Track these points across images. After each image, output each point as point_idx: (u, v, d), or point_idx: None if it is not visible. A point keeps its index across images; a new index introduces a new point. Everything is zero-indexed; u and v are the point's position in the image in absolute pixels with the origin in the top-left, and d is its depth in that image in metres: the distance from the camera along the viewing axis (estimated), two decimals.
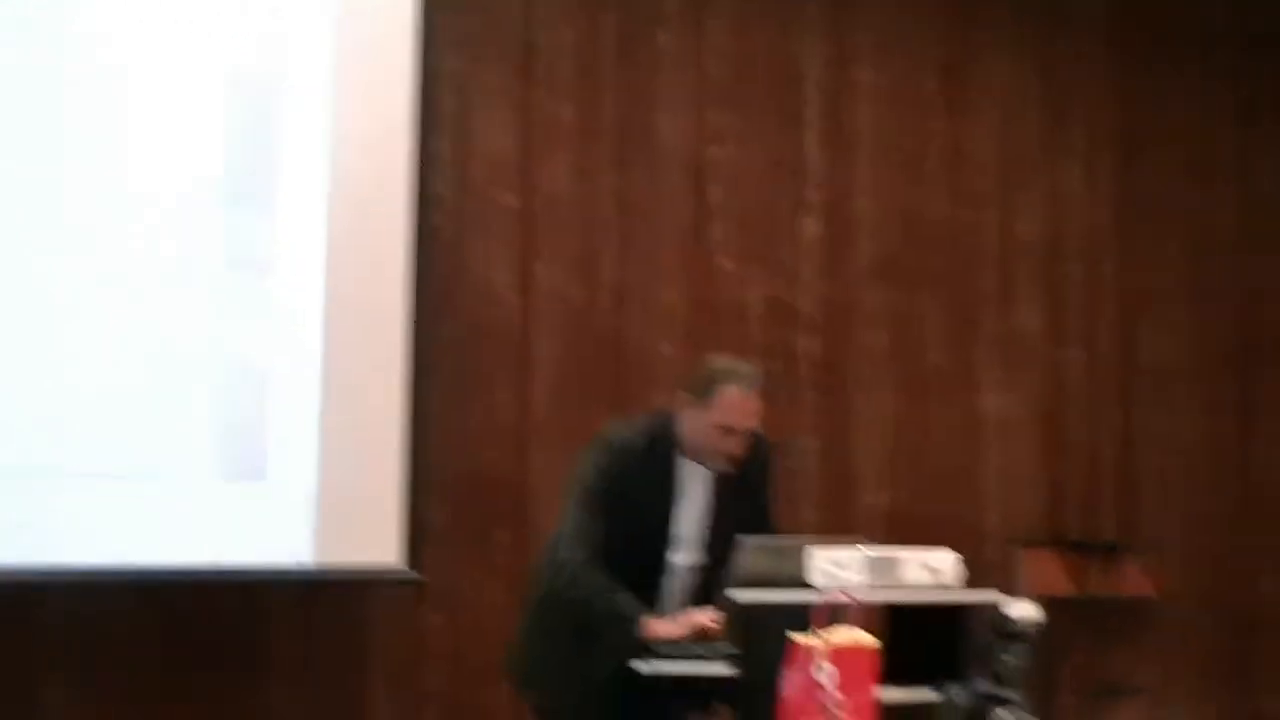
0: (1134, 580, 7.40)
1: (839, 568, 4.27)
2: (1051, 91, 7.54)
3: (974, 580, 5.18)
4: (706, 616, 4.58)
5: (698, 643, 4.53)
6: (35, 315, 5.47)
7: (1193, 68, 7.81)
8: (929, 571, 4.30)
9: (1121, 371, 7.62)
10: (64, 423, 5.46)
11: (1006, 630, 3.30)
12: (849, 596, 3.23)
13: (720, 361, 4.90)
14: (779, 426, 6.75)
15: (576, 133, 6.64)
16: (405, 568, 5.95)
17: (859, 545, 4.43)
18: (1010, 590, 3.30)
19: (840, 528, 6.79)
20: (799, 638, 3.07)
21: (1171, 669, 7.60)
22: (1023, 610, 3.28)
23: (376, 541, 5.90)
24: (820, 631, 3.05)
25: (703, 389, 4.76)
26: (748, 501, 4.89)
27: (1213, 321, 7.81)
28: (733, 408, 4.74)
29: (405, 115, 6.12)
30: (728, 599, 4.46)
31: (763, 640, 4.13)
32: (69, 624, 5.68)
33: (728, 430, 4.75)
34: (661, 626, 4.60)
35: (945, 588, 4.33)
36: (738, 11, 6.93)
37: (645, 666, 4.53)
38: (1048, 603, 6.95)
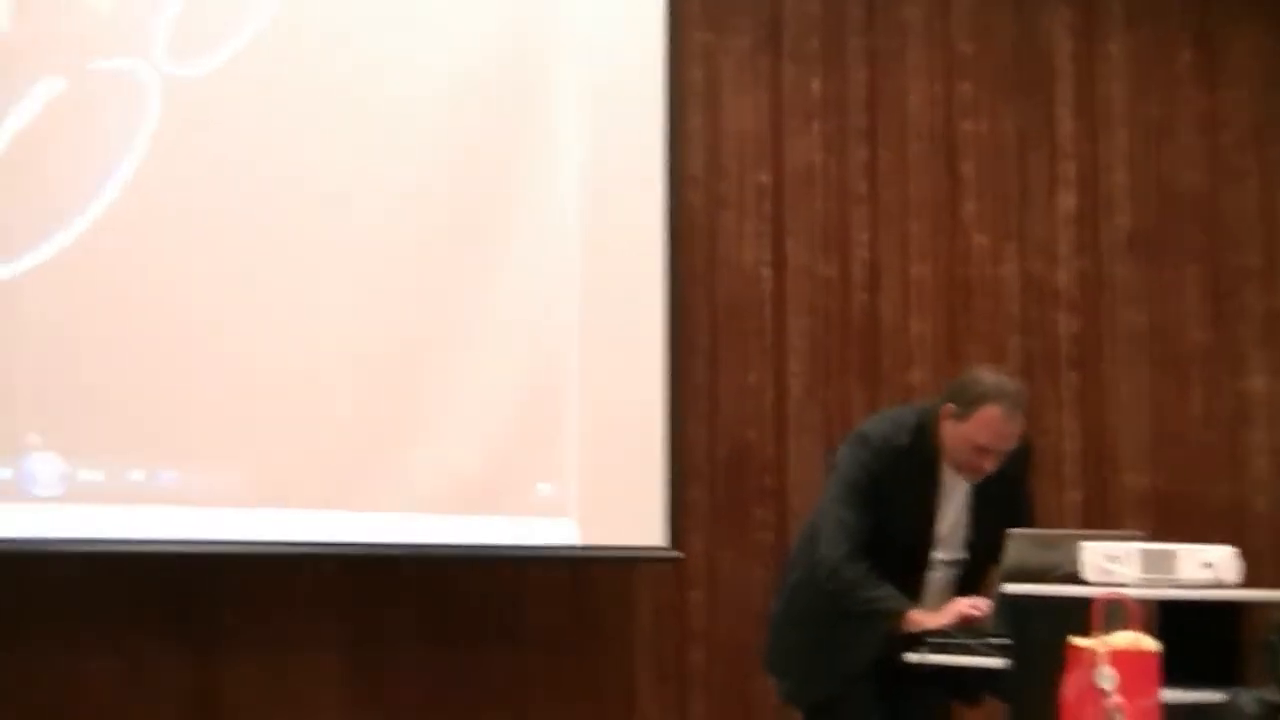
0: None
1: (1112, 562, 4.19)
2: None
3: (1250, 572, 5.04)
4: (970, 605, 4.55)
5: (963, 632, 4.51)
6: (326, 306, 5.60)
7: None
8: (1206, 567, 4.20)
9: None
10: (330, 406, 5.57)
11: None
12: (1127, 598, 3.16)
13: (988, 378, 4.77)
14: (1038, 406, 6.69)
15: (825, 106, 6.59)
16: (668, 546, 5.96)
17: (1130, 538, 4.35)
18: None
19: (1101, 510, 6.69)
20: (1077, 640, 3.01)
21: None
22: None
23: (641, 520, 5.93)
24: (1098, 633, 2.99)
25: (966, 403, 4.67)
26: (1007, 497, 4.82)
27: None
28: (991, 428, 4.65)
29: (658, 93, 6.13)
30: (998, 591, 4.42)
31: (1034, 634, 4.09)
32: (338, 596, 5.77)
33: (982, 450, 4.67)
34: (925, 617, 4.58)
35: (1223, 585, 4.23)
36: None
37: (913, 656, 4.52)
38: None
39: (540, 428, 5.84)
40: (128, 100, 5.40)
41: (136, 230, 5.39)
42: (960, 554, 4.82)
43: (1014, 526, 4.55)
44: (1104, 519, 6.60)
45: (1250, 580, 4.33)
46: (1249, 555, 6.76)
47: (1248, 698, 3.17)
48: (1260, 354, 7.14)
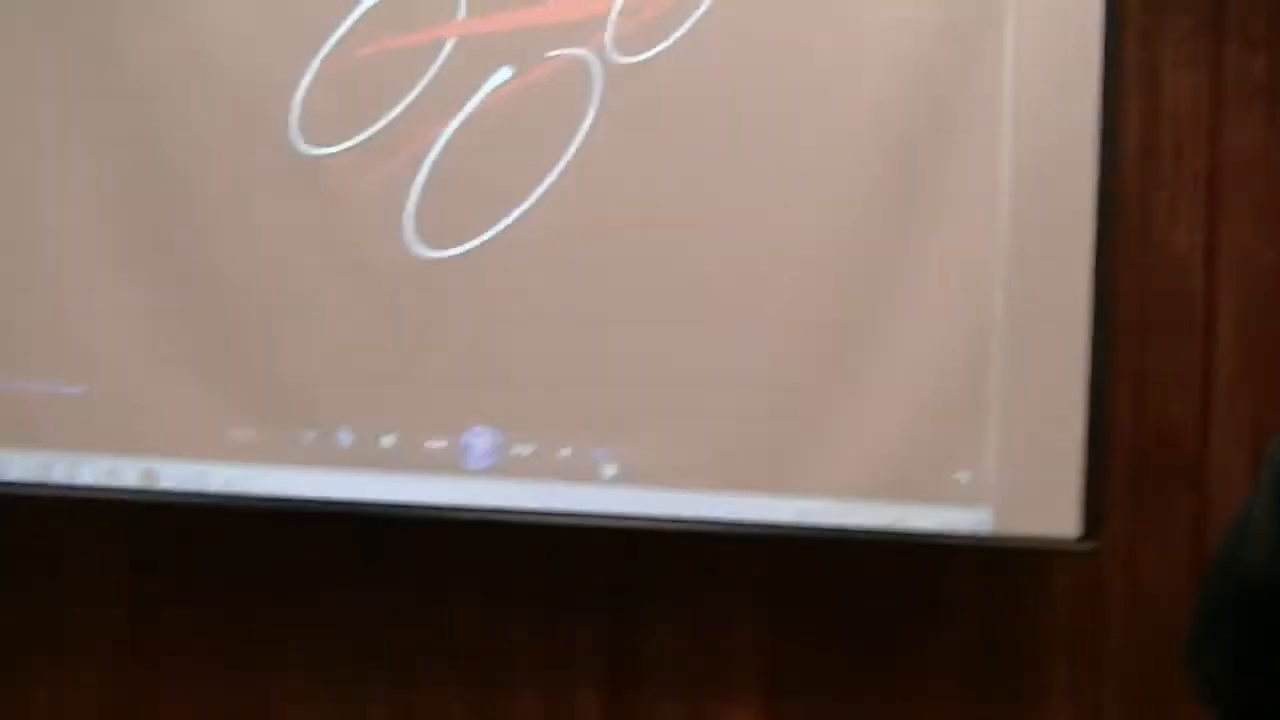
0: None
1: None
2: None
3: None
4: None
5: None
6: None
7: None
8: None
9: None
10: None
11: None
12: None
13: None
14: None
15: (1268, 88, 6.37)
16: (1083, 535, 5.86)
17: None
18: None
19: None
20: None
21: None
22: None
23: (1056, 508, 5.83)
24: None
25: None
26: None
27: None
28: None
29: (1093, 73, 5.99)
30: None
31: None
32: (753, 575, 5.87)
33: None
34: None
35: None
36: None
37: None
38: None
39: (960, 412, 5.80)
40: (574, 88, 5.55)
41: (578, 212, 5.55)
42: None
43: None
44: None
45: None
46: None
47: None
48: None
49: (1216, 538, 5.04)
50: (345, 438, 5.55)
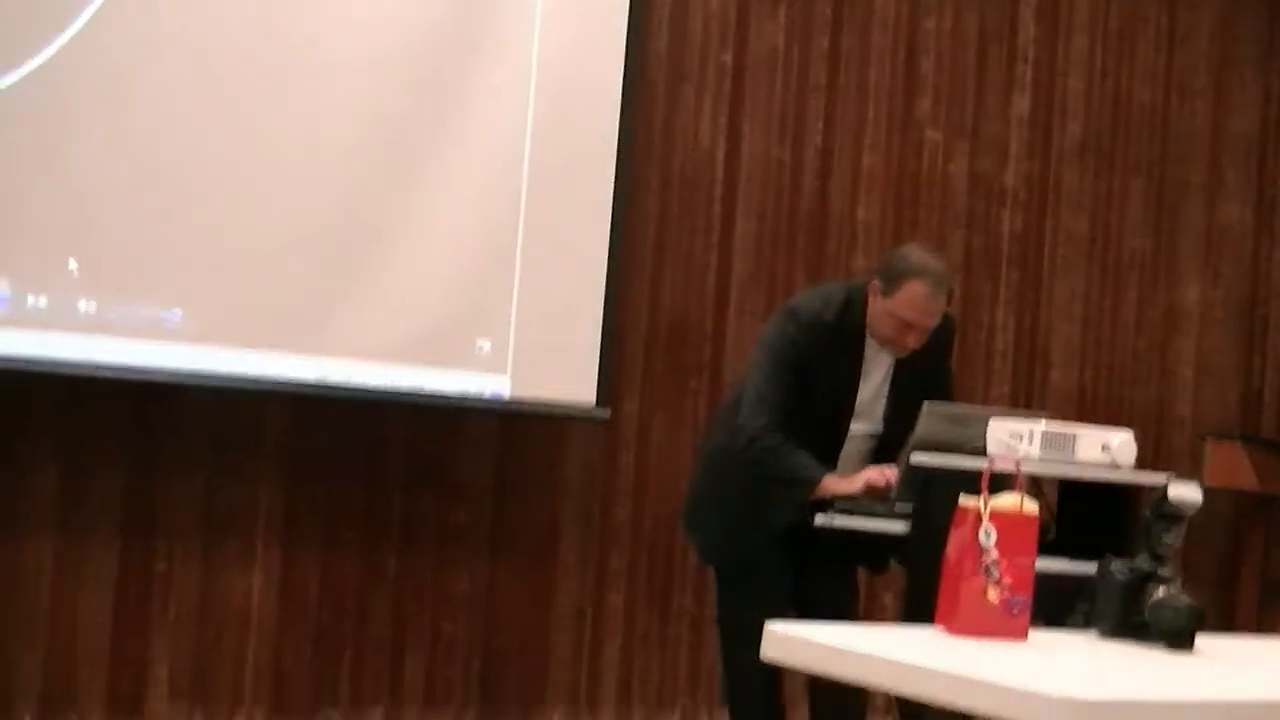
0: None
1: (1016, 439, 4.35)
2: None
3: (1161, 468, 5.21)
4: (879, 473, 4.69)
5: (873, 500, 4.66)
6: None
7: None
8: (1104, 450, 4.36)
9: None
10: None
11: (1166, 511, 3.34)
12: (1018, 469, 3.30)
13: (915, 254, 4.90)
14: (975, 300, 6.85)
15: None
16: (597, 406, 6.10)
17: (1038, 418, 4.50)
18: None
19: (1029, 405, 6.85)
20: (965, 500, 3.15)
21: None
22: (1182, 492, 3.31)
23: (574, 381, 6.07)
24: (986, 495, 3.13)
25: (891, 279, 4.79)
26: (928, 376, 4.96)
27: None
28: (914, 304, 4.77)
29: None
30: (906, 460, 4.57)
31: (935, 502, 4.24)
32: (279, 433, 5.90)
33: (906, 324, 4.79)
34: (838, 484, 4.73)
35: (1116, 467, 4.39)
36: None
37: (821, 518, 4.67)
38: (1232, 497, 7.05)
39: (484, 287, 5.96)
40: None
41: (109, 54, 5.48)
42: (877, 427, 4.96)
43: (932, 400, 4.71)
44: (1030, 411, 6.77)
45: None
46: (1169, 457, 7.02)
47: (1119, 565, 3.32)
48: (1195, 266, 7.31)
49: None
50: None
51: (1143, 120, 7.22)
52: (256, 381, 5.68)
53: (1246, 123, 7.40)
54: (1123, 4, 7.17)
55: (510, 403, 6.00)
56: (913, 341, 4.82)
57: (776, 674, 4.85)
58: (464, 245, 5.95)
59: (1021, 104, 7.01)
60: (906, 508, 4.52)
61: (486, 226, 5.99)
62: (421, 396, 5.87)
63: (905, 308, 4.77)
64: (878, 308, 4.82)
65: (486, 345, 5.94)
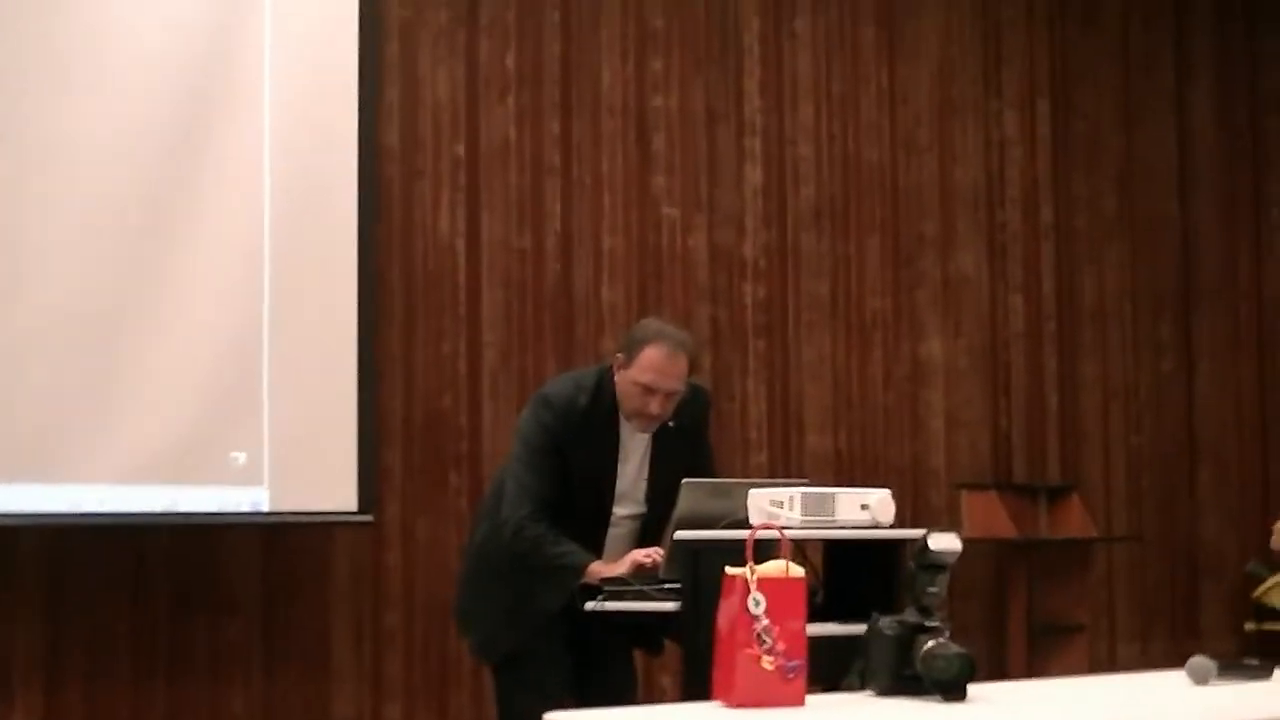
0: (1077, 522, 7.53)
1: (777, 505, 4.38)
2: (988, 38, 7.66)
3: (921, 522, 5.29)
4: (645, 554, 4.68)
5: (640, 580, 4.64)
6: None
7: (1127, 13, 7.97)
8: (864, 509, 4.41)
9: (1061, 315, 7.76)
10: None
11: (928, 561, 3.38)
12: (782, 535, 3.32)
13: (652, 324, 4.97)
14: (725, 372, 6.91)
15: (520, 80, 6.70)
16: (360, 511, 6.03)
17: (796, 485, 4.53)
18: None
19: (785, 471, 6.91)
20: (731, 569, 3.16)
21: (1115, 609, 7.77)
22: (942, 542, 3.36)
23: (334, 487, 6.00)
24: (751, 564, 3.14)
25: (630, 348, 4.82)
26: (687, 451, 4.96)
27: (1150, 263, 7.97)
28: (653, 366, 4.77)
29: (351, 66, 6.19)
30: (670, 537, 4.57)
31: (702, 576, 4.25)
32: (37, 566, 5.74)
33: (648, 389, 4.78)
34: (605, 568, 4.71)
35: (877, 525, 4.44)
36: None
37: (590, 604, 4.64)
38: (992, 545, 7.19)
39: (233, 398, 5.87)
40: None
41: None
42: (641, 508, 4.95)
43: (693, 476, 4.70)
44: (789, 478, 6.82)
45: None
46: (928, 512, 7.13)
47: (887, 621, 3.35)
48: (936, 319, 7.47)
49: None
50: None
51: (873, 179, 7.37)
52: (6, 516, 5.53)
53: (972, 172, 7.60)
54: (843, 66, 7.32)
55: (271, 514, 5.90)
56: (656, 408, 4.81)
57: None
58: (208, 355, 5.85)
59: (754, 175, 7.11)
60: (675, 585, 4.52)
61: (230, 334, 5.90)
62: (179, 516, 5.76)
63: (645, 372, 4.77)
64: (622, 380, 4.82)
65: (241, 457, 5.85)
